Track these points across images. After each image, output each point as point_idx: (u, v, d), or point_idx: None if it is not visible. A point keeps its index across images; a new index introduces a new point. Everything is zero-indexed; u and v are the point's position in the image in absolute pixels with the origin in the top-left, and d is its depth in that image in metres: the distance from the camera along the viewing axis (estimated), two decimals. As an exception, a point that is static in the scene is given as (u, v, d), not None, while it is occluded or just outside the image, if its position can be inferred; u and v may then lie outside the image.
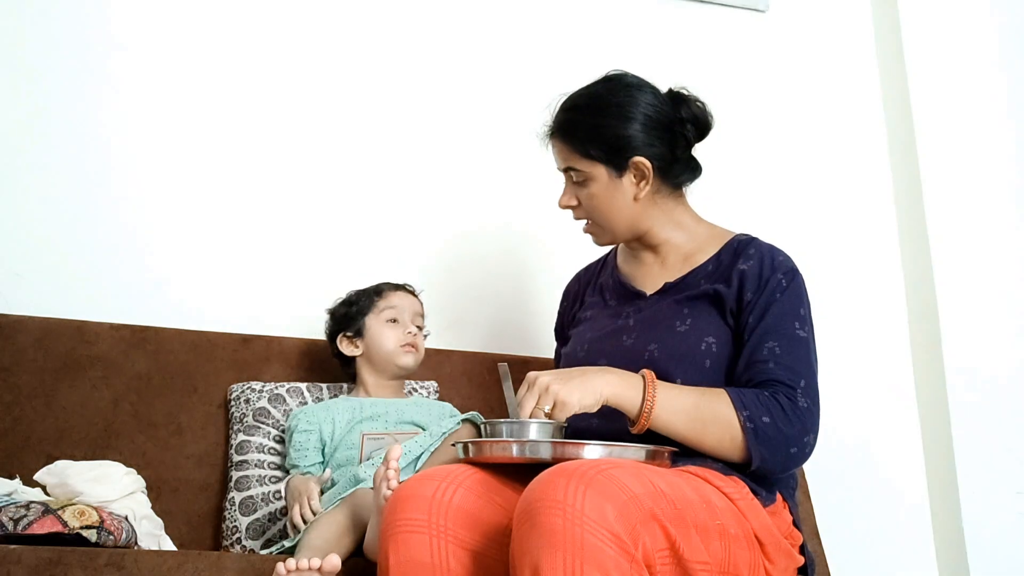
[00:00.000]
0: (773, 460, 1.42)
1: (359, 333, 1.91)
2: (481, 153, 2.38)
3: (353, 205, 2.28)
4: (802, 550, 1.49)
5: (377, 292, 1.94)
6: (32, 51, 2.14)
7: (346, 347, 1.92)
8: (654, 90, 1.62)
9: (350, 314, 1.92)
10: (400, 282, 1.98)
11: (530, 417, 1.36)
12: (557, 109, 1.63)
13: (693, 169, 1.65)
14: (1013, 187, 2.58)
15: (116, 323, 1.97)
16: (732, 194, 2.54)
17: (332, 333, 1.95)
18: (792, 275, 1.54)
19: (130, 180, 2.15)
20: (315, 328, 2.13)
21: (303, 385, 1.97)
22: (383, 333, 1.89)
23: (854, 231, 2.63)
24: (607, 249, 1.79)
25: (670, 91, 1.64)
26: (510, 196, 2.33)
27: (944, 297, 2.48)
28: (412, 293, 1.97)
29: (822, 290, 2.51)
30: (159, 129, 2.18)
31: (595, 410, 1.40)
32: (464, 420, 1.75)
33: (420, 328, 1.93)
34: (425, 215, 2.32)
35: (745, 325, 1.50)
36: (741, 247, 1.58)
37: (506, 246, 2.36)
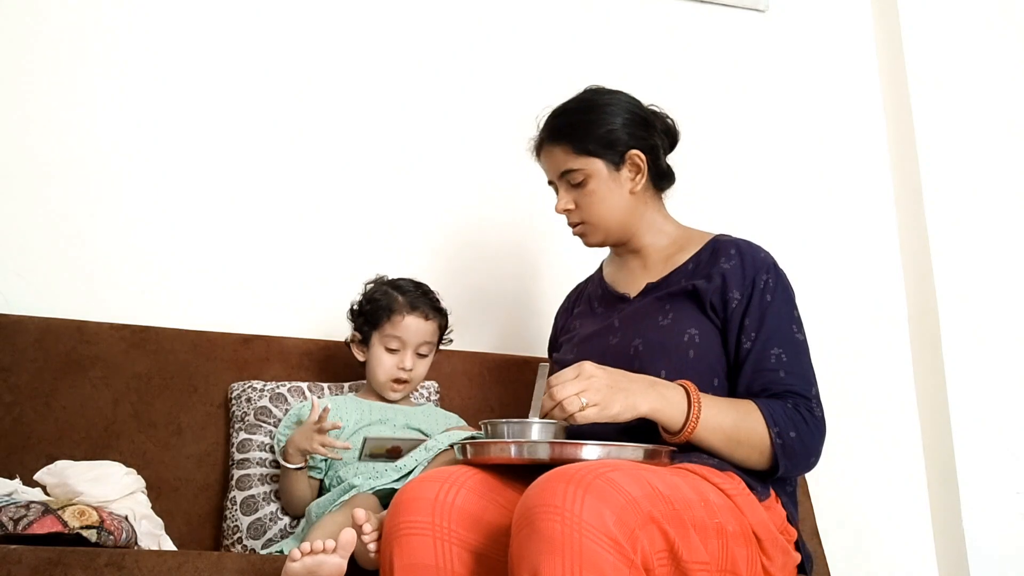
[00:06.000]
0: (796, 469, 1.49)
1: (365, 342, 1.87)
2: (484, 153, 2.38)
3: (355, 205, 2.28)
4: (797, 547, 1.50)
5: (391, 310, 1.82)
6: (32, 51, 2.14)
7: (354, 349, 1.89)
8: (630, 95, 1.69)
9: (364, 315, 1.86)
10: (424, 299, 1.85)
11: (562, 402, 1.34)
12: (545, 120, 1.69)
13: (670, 175, 1.72)
14: (1013, 187, 2.58)
15: (116, 323, 1.97)
16: (732, 194, 2.54)
17: (351, 321, 1.90)
18: (776, 272, 1.58)
19: (130, 180, 2.15)
20: (315, 328, 2.13)
21: (304, 384, 1.96)
22: (380, 358, 1.83)
23: (854, 231, 2.63)
24: (598, 255, 1.83)
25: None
26: (513, 196, 2.33)
27: (944, 297, 2.48)
28: (428, 316, 1.84)
29: (823, 290, 2.53)
30: (159, 129, 2.19)
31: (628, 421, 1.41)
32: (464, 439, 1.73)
33: (423, 355, 1.85)
34: (427, 215, 2.32)
35: (741, 327, 1.53)
36: (720, 246, 1.62)
37: (508, 246, 2.36)
